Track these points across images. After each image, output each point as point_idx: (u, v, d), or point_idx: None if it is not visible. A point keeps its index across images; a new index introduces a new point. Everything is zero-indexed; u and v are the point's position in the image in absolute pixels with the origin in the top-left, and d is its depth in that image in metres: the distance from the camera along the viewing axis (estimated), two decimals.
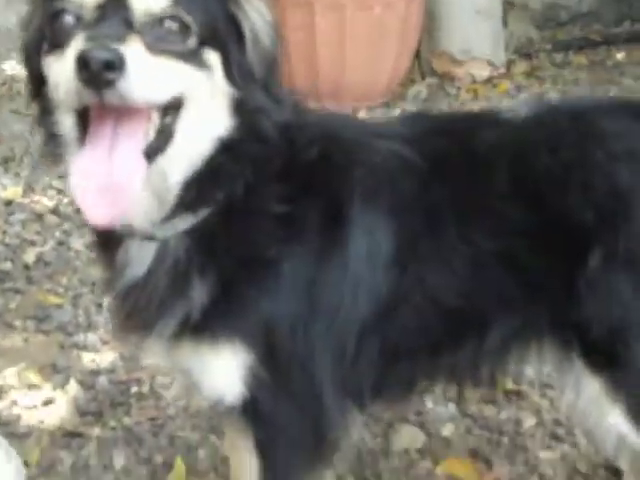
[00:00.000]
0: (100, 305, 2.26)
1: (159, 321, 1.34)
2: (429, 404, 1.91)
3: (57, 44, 1.27)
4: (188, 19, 1.28)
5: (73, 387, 1.99)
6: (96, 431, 1.87)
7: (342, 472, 1.73)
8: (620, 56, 4.66)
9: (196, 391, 1.40)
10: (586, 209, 1.37)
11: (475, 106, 4.02)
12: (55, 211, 2.75)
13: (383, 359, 1.43)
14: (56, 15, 1.28)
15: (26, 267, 2.46)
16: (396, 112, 3.88)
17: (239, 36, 1.34)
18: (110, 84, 1.17)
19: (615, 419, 1.45)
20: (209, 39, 1.30)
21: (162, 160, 1.26)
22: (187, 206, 1.31)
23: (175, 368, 1.44)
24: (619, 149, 1.39)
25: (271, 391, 1.37)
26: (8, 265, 2.46)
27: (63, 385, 2.01)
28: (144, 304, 1.35)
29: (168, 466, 1.78)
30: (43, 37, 1.32)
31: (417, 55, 4.38)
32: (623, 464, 1.65)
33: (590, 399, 1.45)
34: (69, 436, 1.86)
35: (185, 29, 1.28)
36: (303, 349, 1.37)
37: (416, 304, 1.41)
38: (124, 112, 1.22)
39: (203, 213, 1.32)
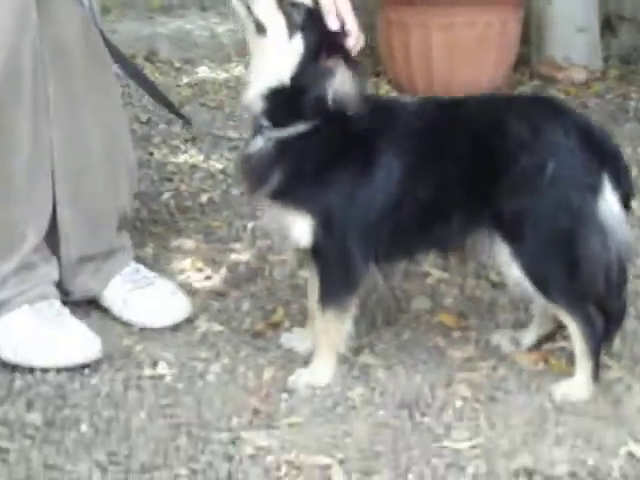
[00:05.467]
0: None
1: (258, 186, 2.63)
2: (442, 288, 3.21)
3: None
4: (303, 15, 2.51)
5: (223, 270, 3.40)
6: (234, 293, 3.26)
7: (375, 310, 3.06)
8: None
9: (286, 237, 2.67)
10: (501, 156, 2.55)
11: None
12: (223, 171, 4.20)
13: (389, 234, 2.63)
14: None
15: (201, 205, 3.91)
16: None
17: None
18: None
19: (516, 272, 2.59)
20: (304, 32, 2.52)
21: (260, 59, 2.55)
22: (271, 119, 2.57)
23: (274, 222, 2.70)
24: (529, 124, 2.55)
25: (325, 242, 2.60)
26: (189, 203, 3.92)
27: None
28: (250, 172, 2.66)
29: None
30: None
31: (527, 61, 5.59)
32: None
33: (504, 260, 2.59)
34: (218, 294, 3.26)
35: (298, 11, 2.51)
36: (343, 222, 2.59)
37: (410, 202, 2.60)
38: None
39: (284, 133, 2.57)
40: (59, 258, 3.03)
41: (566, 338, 2.80)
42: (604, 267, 2.55)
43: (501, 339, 2.89)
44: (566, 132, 2.56)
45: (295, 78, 2.53)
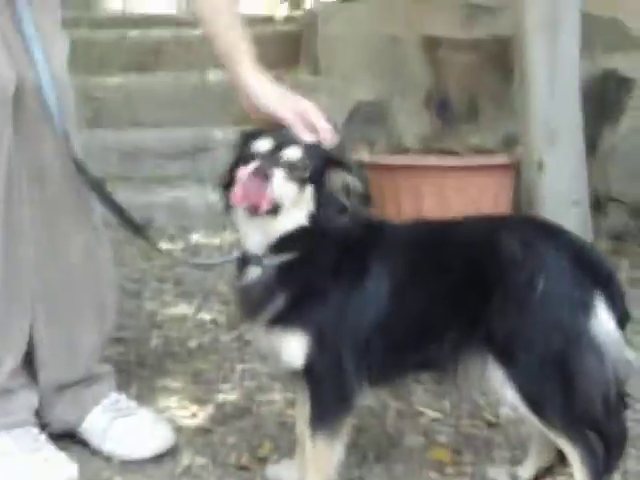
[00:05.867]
0: None
1: (259, 312, 2.59)
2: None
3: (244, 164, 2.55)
4: (307, 166, 2.54)
5: (210, 408, 3.30)
6: (220, 429, 3.15)
7: (366, 446, 2.95)
8: None
9: (279, 361, 2.61)
10: (490, 273, 2.55)
11: None
12: (213, 321, 4.18)
13: (382, 352, 2.58)
14: (246, 154, 2.57)
15: (189, 350, 3.86)
16: None
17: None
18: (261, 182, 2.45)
19: (511, 396, 2.49)
20: (311, 178, 2.56)
21: (271, 224, 2.53)
22: (277, 251, 2.56)
23: (267, 344, 2.65)
24: (519, 241, 2.55)
25: (319, 361, 2.55)
26: (178, 348, 3.87)
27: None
28: (250, 301, 2.62)
29: None
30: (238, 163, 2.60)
31: None
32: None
33: (498, 384, 2.51)
34: (204, 431, 3.14)
35: (304, 169, 2.56)
36: (337, 340, 2.55)
37: (400, 321, 2.58)
38: None
39: (286, 257, 2.55)
40: (37, 384, 2.94)
41: (566, 474, 2.70)
42: (602, 388, 2.48)
43: (497, 474, 2.79)
44: (557, 249, 2.55)
45: (312, 216, 2.54)
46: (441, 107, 5.52)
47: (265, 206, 2.47)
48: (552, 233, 2.63)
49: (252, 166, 2.50)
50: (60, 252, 2.93)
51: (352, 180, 2.56)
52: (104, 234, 3.11)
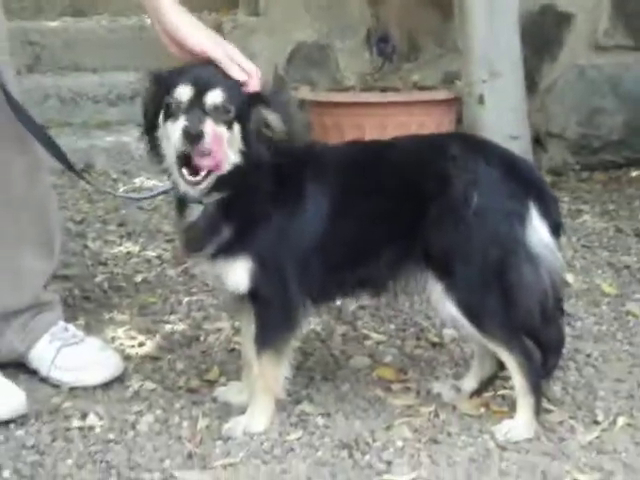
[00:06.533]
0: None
1: (204, 246, 2.63)
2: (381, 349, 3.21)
3: (170, 116, 2.54)
4: (230, 107, 2.63)
5: (158, 337, 3.34)
6: (169, 356, 3.20)
7: (313, 368, 3.03)
8: (635, 174, 5.88)
9: (224, 286, 2.67)
10: (425, 190, 2.61)
11: None
12: (158, 257, 4.21)
13: (323, 271, 2.65)
14: (168, 103, 2.56)
15: (135, 284, 3.89)
16: None
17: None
18: (197, 142, 2.48)
19: (450, 309, 2.60)
20: (237, 117, 2.60)
21: None
22: (217, 189, 2.61)
23: (213, 275, 2.71)
24: (451, 156, 2.63)
25: (263, 283, 2.61)
26: (124, 283, 3.90)
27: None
28: (195, 237, 2.65)
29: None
30: (158, 111, 2.59)
31: None
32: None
33: (437, 297, 2.60)
34: (152, 358, 3.19)
35: (228, 111, 2.61)
36: (279, 262, 2.62)
37: (339, 239, 2.64)
38: None
39: (226, 193, 2.60)
40: None
41: (507, 387, 2.80)
42: (539, 296, 2.57)
43: (442, 388, 2.87)
44: (489, 163, 2.61)
45: (243, 153, 2.57)
46: (382, 44, 5.55)
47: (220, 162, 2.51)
48: (482, 147, 2.70)
49: (181, 125, 2.48)
50: (1, 175, 2.94)
51: (275, 115, 2.57)
52: (45, 164, 3.11)
